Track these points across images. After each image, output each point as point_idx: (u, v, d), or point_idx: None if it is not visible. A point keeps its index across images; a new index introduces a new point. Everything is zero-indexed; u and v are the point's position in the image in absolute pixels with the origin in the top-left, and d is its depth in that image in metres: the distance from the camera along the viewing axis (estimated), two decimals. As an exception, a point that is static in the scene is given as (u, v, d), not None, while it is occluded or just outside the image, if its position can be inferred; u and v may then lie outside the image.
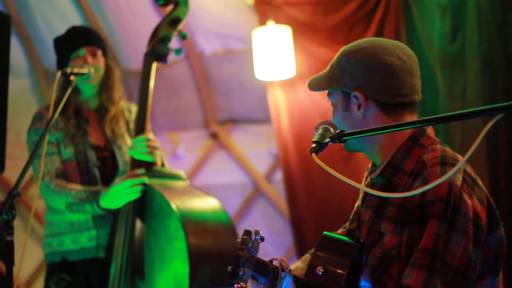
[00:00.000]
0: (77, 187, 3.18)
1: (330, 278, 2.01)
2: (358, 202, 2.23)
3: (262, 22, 4.62)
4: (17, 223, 2.40)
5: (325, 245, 2.11)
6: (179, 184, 3.27)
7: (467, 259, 1.83)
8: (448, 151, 1.98)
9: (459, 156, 1.98)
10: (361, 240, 2.11)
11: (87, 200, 3.13)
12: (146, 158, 3.17)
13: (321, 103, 4.66)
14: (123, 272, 3.07)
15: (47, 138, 3.12)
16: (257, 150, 5.25)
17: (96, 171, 3.26)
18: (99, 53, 3.31)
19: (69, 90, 2.96)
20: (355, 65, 2.02)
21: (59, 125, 3.26)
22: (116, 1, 4.83)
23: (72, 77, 3.02)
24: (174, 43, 3.38)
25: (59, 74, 3.04)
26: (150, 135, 3.24)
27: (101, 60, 3.32)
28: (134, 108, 3.45)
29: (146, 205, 3.15)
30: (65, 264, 3.22)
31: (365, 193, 2.13)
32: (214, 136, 5.32)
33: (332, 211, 4.68)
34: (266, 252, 4.91)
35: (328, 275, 2.01)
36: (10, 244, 2.35)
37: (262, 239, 1.90)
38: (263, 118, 5.06)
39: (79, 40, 3.29)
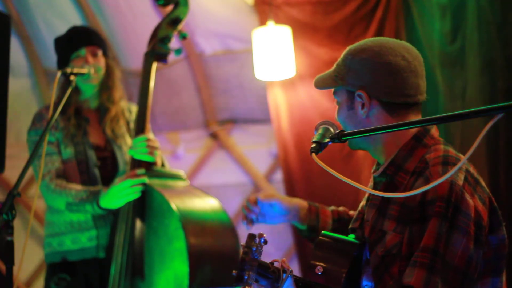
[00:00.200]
0: (77, 187, 3.18)
1: (330, 277, 2.01)
2: (362, 202, 2.24)
3: (262, 22, 4.62)
4: (17, 223, 2.40)
5: (324, 244, 2.11)
6: (179, 184, 3.27)
7: (468, 259, 1.83)
8: (451, 151, 1.98)
9: (462, 156, 1.99)
10: (363, 239, 2.12)
11: (87, 200, 3.13)
12: (146, 158, 3.17)
13: (321, 103, 4.67)
14: (123, 272, 3.07)
15: (47, 138, 3.12)
16: (257, 150, 5.25)
17: (96, 171, 3.26)
18: (100, 53, 3.32)
19: (69, 90, 2.96)
20: (359, 64, 2.02)
21: (59, 125, 3.26)
22: (116, 1, 4.83)
23: (72, 77, 3.02)
24: (174, 43, 3.38)
25: (59, 74, 3.03)
26: (150, 135, 3.24)
27: (101, 60, 3.32)
28: (134, 108, 3.45)
29: (146, 205, 3.14)
30: (65, 264, 3.22)
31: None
32: (214, 136, 5.32)
33: (332, 211, 4.67)
34: (266, 252, 4.89)
35: (327, 275, 2.01)
36: (10, 244, 2.35)
37: (266, 242, 1.91)
38: (263, 118, 5.06)
39: (80, 40, 3.29)
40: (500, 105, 1.54)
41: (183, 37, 3.41)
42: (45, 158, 3.17)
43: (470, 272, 1.84)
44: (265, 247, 1.95)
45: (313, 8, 4.61)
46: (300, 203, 2.47)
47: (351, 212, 2.39)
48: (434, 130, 2.06)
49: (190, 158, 5.31)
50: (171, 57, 3.38)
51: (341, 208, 2.47)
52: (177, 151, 5.30)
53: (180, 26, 3.39)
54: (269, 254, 1.94)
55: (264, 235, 1.90)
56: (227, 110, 5.25)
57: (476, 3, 3.83)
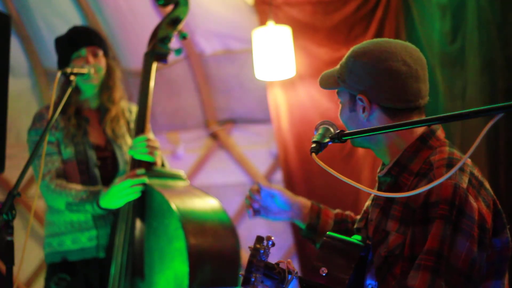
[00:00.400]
0: (77, 187, 3.18)
1: (334, 279, 2.01)
2: (368, 202, 2.24)
3: (262, 22, 4.62)
4: (17, 223, 2.40)
5: (329, 245, 2.11)
6: (179, 184, 3.27)
7: (472, 262, 1.84)
8: (456, 154, 1.98)
9: (467, 159, 1.98)
10: (368, 239, 2.12)
11: (87, 200, 3.13)
12: (146, 158, 3.17)
13: (321, 103, 4.67)
14: (123, 272, 3.07)
15: (47, 138, 3.12)
16: (257, 150, 5.25)
17: (97, 171, 3.26)
18: (101, 53, 3.31)
19: (69, 90, 2.95)
20: (361, 68, 2.02)
21: (60, 125, 3.26)
22: (116, 1, 4.83)
23: (72, 77, 3.02)
24: (174, 43, 3.38)
25: (59, 74, 3.03)
26: (150, 135, 3.24)
27: (102, 60, 3.32)
28: (134, 109, 3.45)
29: (146, 205, 3.14)
30: (65, 264, 3.22)
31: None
32: (214, 136, 5.32)
33: (332, 211, 4.67)
34: (266, 252, 4.90)
35: (331, 277, 2.02)
36: (10, 244, 2.35)
37: (273, 244, 1.90)
38: (263, 118, 5.06)
39: (80, 40, 3.29)
40: (500, 105, 1.54)
41: (183, 37, 3.41)
42: (45, 158, 3.17)
43: (473, 275, 1.84)
44: (264, 247, 1.95)
45: (313, 8, 4.61)
46: (303, 201, 2.48)
47: (358, 217, 2.39)
48: (440, 132, 2.05)
49: (190, 158, 5.30)
50: (171, 57, 3.38)
51: (347, 212, 2.47)
52: (177, 151, 5.30)
53: (180, 26, 3.39)
54: (269, 254, 1.94)
55: (272, 238, 1.90)
56: (227, 110, 5.25)
57: (476, 3, 3.83)
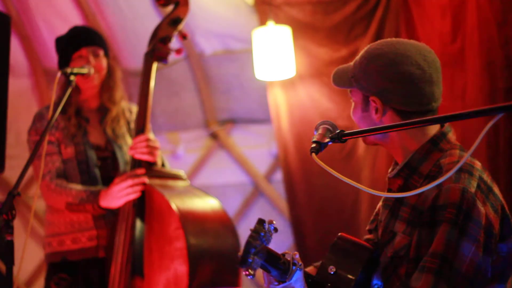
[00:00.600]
0: (78, 187, 3.18)
1: (340, 279, 2.01)
2: (380, 203, 2.24)
3: (262, 22, 4.62)
4: (17, 223, 2.40)
5: (339, 246, 2.12)
6: (179, 184, 3.27)
7: (476, 266, 1.84)
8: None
9: (477, 162, 1.98)
10: (377, 240, 2.13)
11: (87, 199, 3.13)
12: (146, 158, 3.17)
13: (321, 103, 4.67)
14: (123, 272, 3.07)
15: (47, 138, 3.12)
16: (257, 150, 5.25)
17: (97, 171, 3.26)
18: (101, 53, 3.31)
19: (69, 90, 2.96)
20: (374, 71, 2.01)
21: (60, 125, 3.26)
22: (116, 1, 4.83)
23: (72, 77, 3.02)
24: (174, 43, 3.38)
25: (59, 74, 3.04)
26: (151, 135, 3.24)
27: (103, 60, 3.32)
28: (135, 109, 3.45)
29: (146, 205, 3.15)
30: (65, 264, 3.22)
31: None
32: (214, 136, 5.32)
33: (332, 211, 4.68)
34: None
35: (338, 276, 2.02)
36: (10, 244, 2.35)
37: (276, 230, 1.89)
38: (263, 118, 5.06)
39: (81, 40, 3.29)
40: (500, 105, 1.54)
41: (183, 37, 3.41)
42: (45, 158, 3.17)
43: (477, 280, 1.85)
44: (265, 247, 1.93)
45: (313, 8, 4.60)
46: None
47: (366, 237, 2.38)
48: (451, 134, 2.05)
49: (190, 158, 5.31)
50: (171, 57, 3.38)
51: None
52: (177, 151, 5.30)
53: (181, 26, 3.39)
54: (271, 239, 1.93)
55: (274, 222, 1.89)
56: (227, 110, 5.25)
57: (476, 3, 3.83)
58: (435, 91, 2.01)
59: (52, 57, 3.52)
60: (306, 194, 4.76)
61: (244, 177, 5.27)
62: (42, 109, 3.32)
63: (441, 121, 1.93)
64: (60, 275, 3.20)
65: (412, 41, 2.06)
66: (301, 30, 4.61)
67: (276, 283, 1.93)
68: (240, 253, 1.83)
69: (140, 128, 3.23)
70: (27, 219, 4.82)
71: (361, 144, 4.51)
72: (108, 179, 3.23)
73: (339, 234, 2.17)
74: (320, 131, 1.97)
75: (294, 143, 4.75)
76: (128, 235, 3.09)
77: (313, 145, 1.93)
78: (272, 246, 1.92)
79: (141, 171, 3.14)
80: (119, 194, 3.09)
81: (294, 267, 1.90)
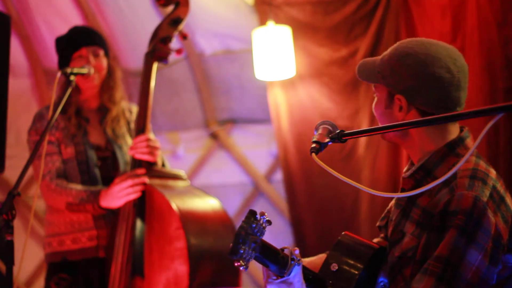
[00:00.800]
0: (78, 187, 3.18)
1: (342, 277, 2.01)
2: (392, 201, 2.23)
3: (262, 22, 4.62)
4: (17, 223, 2.39)
5: (343, 244, 2.12)
6: (180, 184, 3.27)
7: (481, 275, 1.83)
8: (481, 165, 1.97)
9: (492, 171, 1.98)
10: (386, 239, 2.12)
11: (87, 199, 3.13)
12: (147, 158, 3.17)
13: (321, 103, 4.67)
14: (123, 272, 3.07)
15: (47, 138, 3.12)
16: (257, 150, 5.25)
17: (97, 171, 3.26)
18: (101, 53, 3.31)
19: (69, 90, 2.96)
20: (403, 70, 2.00)
21: (60, 125, 3.26)
22: (116, 1, 4.83)
23: (72, 77, 3.02)
24: (174, 43, 3.38)
25: (59, 74, 3.04)
26: (151, 135, 3.24)
27: (103, 60, 3.32)
28: (135, 109, 3.45)
29: (146, 205, 3.15)
30: (66, 264, 3.22)
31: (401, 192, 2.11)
32: (214, 136, 5.32)
33: (332, 211, 4.68)
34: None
35: (341, 274, 2.02)
36: (10, 244, 2.35)
37: (269, 222, 1.86)
38: (263, 118, 5.06)
39: (80, 40, 3.29)
40: (500, 105, 1.54)
41: (183, 37, 3.41)
42: (45, 158, 3.17)
43: None
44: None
45: (313, 8, 4.60)
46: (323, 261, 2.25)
47: (374, 240, 2.38)
48: (469, 140, 2.04)
49: (190, 158, 5.30)
50: (171, 57, 3.39)
51: None
52: (177, 151, 5.30)
53: (181, 27, 3.39)
54: (264, 232, 1.90)
55: (266, 214, 1.85)
56: (227, 110, 5.25)
57: (476, 3, 3.83)
58: (461, 96, 2.00)
59: (52, 57, 3.52)
60: (306, 194, 4.76)
61: (244, 177, 5.27)
62: (42, 109, 3.32)
63: (441, 121, 1.93)
64: (60, 275, 3.20)
65: (442, 43, 2.05)
66: (301, 30, 4.61)
67: (274, 278, 1.92)
68: (231, 244, 1.80)
69: (140, 128, 3.23)
70: (27, 219, 4.82)
71: (361, 144, 4.51)
72: (108, 179, 3.24)
73: (344, 232, 2.17)
74: (320, 131, 1.97)
75: (294, 143, 4.75)
76: (129, 235, 3.09)
77: (313, 145, 1.93)
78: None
79: (141, 171, 3.14)
80: (120, 194, 3.10)
81: (292, 262, 1.89)
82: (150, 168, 3.19)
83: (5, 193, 3.52)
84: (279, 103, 4.78)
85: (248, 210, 1.85)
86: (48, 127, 2.76)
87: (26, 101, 5.10)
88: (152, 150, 3.18)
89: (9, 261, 2.33)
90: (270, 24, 4.52)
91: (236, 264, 1.80)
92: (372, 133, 2.04)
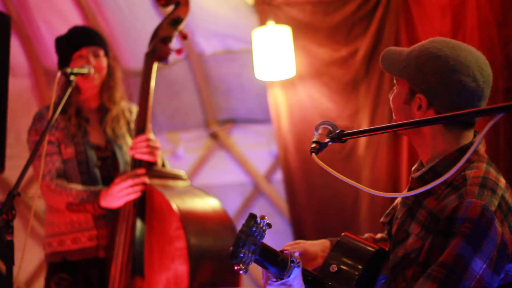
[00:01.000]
0: (78, 187, 3.18)
1: (342, 278, 2.01)
2: (399, 199, 2.23)
3: (262, 22, 4.62)
4: (17, 223, 2.39)
5: (342, 245, 2.12)
6: (180, 184, 3.27)
7: (485, 283, 1.84)
8: (491, 173, 1.96)
9: (502, 180, 1.97)
10: (389, 236, 2.12)
11: (87, 199, 3.13)
12: (147, 158, 3.17)
13: (321, 103, 4.67)
14: (123, 272, 3.07)
15: (47, 138, 3.12)
16: (257, 150, 5.25)
17: (97, 171, 3.26)
18: (102, 53, 3.31)
19: (69, 90, 2.96)
20: (430, 71, 1.99)
21: (60, 125, 3.26)
22: (116, 1, 4.83)
23: (72, 77, 3.02)
24: (174, 43, 3.38)
25: (59, 74, 3.04)
26: (151, 135, 3.24)
27: (103, 60, 3.32)
28: (135, 109, 3.45)
29: (146, 205, 3.15)
30: (66, 264, 3.22)
31: (408, 191, 2.11)
32: (214, 136, 5.32)
33: (332, 211, 4.68)
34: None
35: (340, 275, 2.02)
36: (10, 244, 2.35)
37: (269, 225, 1.85)
38: (263, 118, 5.06)
39: (80, 40, 3.29)
40: (500, 105, 1.54)
41: (183, 37, 3.41)
42: (45, 158, 3.17)
43: None
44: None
45: (313, 8, 4.60)
46: (325, 247, 2.27)
47: (378, 235, 2.38)
48: (481, 146, 2.03)
49: (190, 158, 5.30)
50: (171, 57, 3.38)
51: (366, 235, 2.43)
52: (177, 151, 5.30)
53: (181, 27, 3.39)
54: (264, 235, 1.90)
55: (266, 217, 1.85)
56: (227, 110, 5.25)
57: (476, 3, 3.83)
58: (482, 105, 1.99)
59: (52, 57, 3.51)
60: (306, 194, 4.76)
61: (244, 177, 5.27)
62: (42, 109, 3.32)
63: (442, 121, 1.93)
64: (60, 275, 3.20)
65: (472, 49, 2.03)
66: (301, 30, 4.61)
67: (274, 280, 1.92)
68: (231, 248, 1.80)
69: (140, 128, 3.23)
70: (27, 219, 4.82)
71: (361, 144, 4.51)
72: (108, 179, 3.23)
73: (343, 233, 2.16)
74: (320, 131, 1.96)
75: (294, 143, 4.75)
76: (129, 235, 3.09)
77: (313, 145, 1.92)
78: (272, 246, 1.91)
79: (141, 171, 3.14)
80: (120, 194, 3.09)
81: (292, 264, 1.90)
82: (150, 168, 3.19)
83: (5, 193, 3.53)
84: (279, 103, 4.78)
85: (249, 213, 1.85)
86: (48, 127, 2.76)
87: (26, 101, 5.10)
88: (152, 150, 3.18)
89: (9, 261, 2.33)
90: (270, 24, 4.52)
91: (236, 267, 1.80)
92: (372, 133, 2.04)
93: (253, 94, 5.08)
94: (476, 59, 2.00)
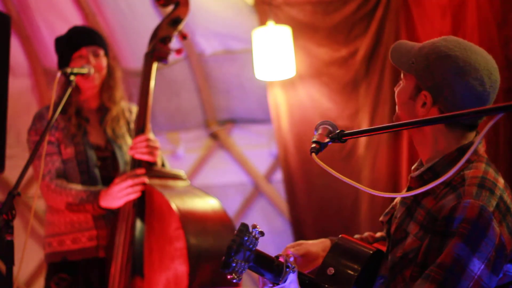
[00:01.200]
0: (78, 187, 3.18)
1: (339, 281, 2.01)
2: (398, 198, 2.22)
3: (262, 22, 4.62)
4: (17, 223, 2.40)
5: (340, 247, 2.11)
6: (180, 184, 3.27)
7: (483, 284, 1.83)
8: (490, 173, 1.96)
9: (500, 180, 1.97)
10: (388, 235, 2.11)
11: (87, 200, 3.13)
12: (146, 158, 3.17)
13: (321, 103, 4.67)
14: (123, 272, 3.07)
15: (47, 138, 3.12)
16: (257, 150, 5.25)
17: (97, 171, 3.26)
18: (102, 53, 3.31)
19: (69, 90, 2.96)
20: (439, 70, 1.98)
21: (60, 125, 3.26)
22: (116, 1, 4.83)
23: (72, 77, 3.02)
24: (174, 43, 3.38)
25: (59, 74, 3.04)
26: (150, 135, 3.24)
27: (103, 60, 3.32)
28: (134, 109, 3.45)
29: (146, 205, 3.15)
30: (66, 264, 3.22)
31: (406, 190, 2.11)
32: (214, 136, 5.32)
33: (332, 211, 4.68)
34: (267, 252, 4.89)
35: (337, 277, 2.02)
36: (10, 244, 2.35)
37: (262, 233, 1.87)
38: (263, 118, 5.06)
39: (80, 40, 3.29)
40: (500, 105, 1.54)
41: (183, 37, 3.41)
42: (45, 158, 3.17)
43: None
44: (265, 247, 1.93)
45: (313, 8, 4.61)
46: (326, 246, 2.28)
47: (378, 234, 2.38)
48: (481, 146, 2.02)
49: (190, 158, 5.31)
50: (171, 57, 3.38)
51: (365, 234, 2.44)
52: (177, 151, 5.30)
53: (181, 27, 3.39)
54: (257, 243, 1.91)
55: (258, 226, 1.87)
56: (227, 110, 5.26)
57: (476, 3, 3.83)
58: None
59: (52, 57, 3.51)
60: (306, 194, 4.76)
61: (244, 177, 5.27)
62: (42, 109, 3.32)
63: (442, 121, 1.93)
64: (60, 275, 3.20)
65: (483, 52, 2.03)
66: (301, 30, 4.61)
67: (270, 285, 1.93)
68: (223, 257, 1.81)
69: (140, 128, 3.23)
70: (27, 219, 4.82)
71: (361, 144, 4.52)
72: (108, 179, 3.23)
73: (340, 235, 2.16)
74: (320, 131, 1.96)
75: (294, 143, 4.76)
76: (128, 235, 3.09)
77: (313, 145, 1.92)
78: (272, 246, 1.92)
79: (141, 171, 3.14)
80: (119, 194, 3.09)
81: (287, 269, 1.90)
82: (149, 168, 3.19)
83: (5, 193, 3.53)
84: (279, 103, 4.78)
85: (240, 223, 1.86)
86: (48, 127, 2.76)
87: (26, 101, 5.10)
88: (151, 150, 3.18)
89: (9, 261, 2.33)
90: (270, 24, 4.52)
91: (229, 277, 1.82)
92: (372, 133, 2.03)
93: (253, 94, 5.08)
94: (486, 63, 2.00)
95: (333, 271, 2.01)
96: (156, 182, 3.16)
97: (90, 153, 3.26)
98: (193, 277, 2.94)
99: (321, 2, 4.58)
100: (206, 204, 3.22)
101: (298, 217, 4.80)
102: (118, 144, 3.34)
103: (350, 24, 4.52)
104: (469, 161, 1.98)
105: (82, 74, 3.10)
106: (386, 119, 4.28)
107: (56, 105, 2.89)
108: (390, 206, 2.26)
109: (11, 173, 3.86)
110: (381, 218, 2.27)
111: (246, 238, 1.83)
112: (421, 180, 2.03)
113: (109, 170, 3.29)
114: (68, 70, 3.03)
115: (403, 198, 2.10)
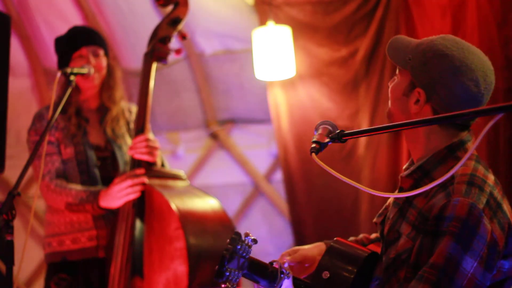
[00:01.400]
0: (77, 187, 3.18)
1: (334, 284, 2.01)
2: (391, 199, 2.22)
3: (262, 22, 4.62)
4: (17, 223, 2.40)
5: (334, 250, 2.11)
6: (179, 184, 3.27)
7: (477, 282, 1.83)
8: (479, 170, 1.95)
9: (490, 177, 1.97)
10: (382, 236, 2.11)
11: (87, 200, 3.13)
12: (146, 158, 3.17)
13: (321, 103, 4.67)
14: (123, 272, 3.07)
15: (47, 138, 3.12)
16: (257, 150, 5.25)
17: (96, 171, 3.26)
18: (101, 53, 3.31)
19: (69, 90, 2.96)
20: (434, 68, 1.98)
21: (60, 125, 3.27)
22: (116, 1, 4.83)
23: (72, 77, 3.02)
24: (174, 43, 3.38)
25: (59, 74, 3.04)
26: (150, 135, 3.24)
27: (103, 60, 3.32)
28: (134, 109, 3.45)
29: (146, 205, 3.15)
30: (65, 264, 3.22)
31: (398, 191, 2.11)
32: (214, 136, 5.32)
33: (332, 211, 4.68)
34: (266, 252, 4.90)
35: (333, 281, 2.01)
36: (10, 244, 2.35)
37: (255, 241, 1.88)
38: (263, 118, 5.06)
39: (80, 39, 3.29)
40: (500, 105, 1.54)
41: (183, 37, 3.41)
42: (45, 158, 3.17)
43: None
44: (265, 247, 1.94)
45: (313, 8, 4.61)
46: (321, 250, 2.26)
47: (373, 235, 2.38)
48: (470, 144, 2.02)
49: (190, 158, 5.31)
50: (171, 57, 3.38)
51: (360, 236, 2.43)
52: (177, 151, 5.30)
53: (181, 26, 3.39)
54: (269, 254, 1.93)
55: (251, 234, 1.88)
56: (227, 110, 5.26)
57: (476, 3, 3.83)
58: None
59: (52, 57, 3.51)
60: (306, 194, 4.76)
61: (244, 177, 5.27)
62: (42, 109, 3.32)
63: (442, 121, 1.93)
64: (60, 275, 3.20)
65: (480, 53, 2.02)
66: (301, 30, 4.61)
67: None
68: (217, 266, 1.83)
69: (139, 128, 3.23)
70: (27, 219, 4.82)
71: (361, 144, 4.52)
72: (107, 179, 3.23)
73: (335, 238, 2.16)
74: (320, 131, 1.96)
75: (294, 143, 4.76)
76: (128, 235, 3.09)
77: (313, 145, 1.92)
78: (272, 247, 1.92)
79: (140, 171, 3.14)
80: (119, 194, 3.09)
81: (282, 275, 1.90)
82: (149, 168, 3.19)
83: (5, 193, 3.53)
84: (279, 103, 4.78)
85: (234, 232, 1.87)
86: (48, 127, 2.76)
87: (26, 101, 5.10)
88: (151, 150, 3.17)
89: (9, 261, 2.33)
90: (270, 24, 4.52)
91: (223, 286, 1.83)
92: (372, 133, 2.03)
93: (253, 94, 5.08)
94: (482, 65, 1.99)
95: (329, 275, 2.01)
96: (155, 182, 3.16)
97: (90, 153, 3.26)
98: (192, 277, 2.94)
99: (321, 2, 4.58)
100: (206, 204, 3.22)
101: (298, 217, 4.80)
102: (118, 144, 3.34)
103: (350, 24, 4.52)
104: (458, 158, 1.97)
105: (82, 74, 3.10)
106: (386, 119, 4.28)
107: (56, 105, 2.88)
108: (383, 207, 2.26)
109: (11, 173, 3.85)
110: (374, 220, 2.27)
111: (239, 247, 1.85)
112: (412, 179, 2.02)
113: (109, 170, 3.29)
114: (68, 70, 3.03)
115: (396, 199, 2.10)
